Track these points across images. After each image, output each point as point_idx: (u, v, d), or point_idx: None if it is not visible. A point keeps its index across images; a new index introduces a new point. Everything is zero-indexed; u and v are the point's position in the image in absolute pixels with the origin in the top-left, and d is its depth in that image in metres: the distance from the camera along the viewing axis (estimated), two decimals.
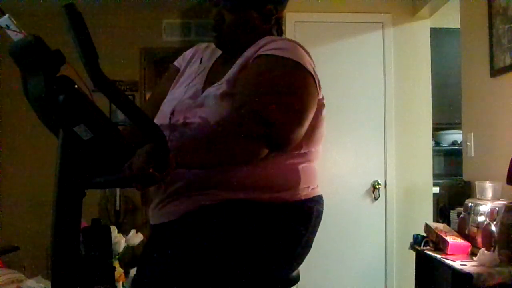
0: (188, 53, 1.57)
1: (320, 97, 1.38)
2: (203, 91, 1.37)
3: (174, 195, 1.31)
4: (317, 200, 1.40)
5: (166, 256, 1.25)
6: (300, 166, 1.35)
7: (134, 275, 1.39)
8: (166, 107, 1.41)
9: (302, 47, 1.37)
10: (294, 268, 1.39)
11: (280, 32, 1.51)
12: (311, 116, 1.30)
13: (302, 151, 1.35)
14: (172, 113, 1.36)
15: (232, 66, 1.36)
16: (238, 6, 1.39)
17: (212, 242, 1.24)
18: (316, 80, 1.34)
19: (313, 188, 1.39)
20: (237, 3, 1.39)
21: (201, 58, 1.51)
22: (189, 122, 1.30)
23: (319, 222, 1.40)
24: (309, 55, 1.37)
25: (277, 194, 1.30)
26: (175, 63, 1.57)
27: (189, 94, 1.38)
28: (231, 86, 1.30)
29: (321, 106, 1.38)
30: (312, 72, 1.32)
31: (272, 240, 1.28)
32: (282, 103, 1.23)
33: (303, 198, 1.34)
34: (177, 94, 1.42)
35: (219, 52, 1.48)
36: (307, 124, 1.29)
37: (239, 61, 1.34)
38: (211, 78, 1.40)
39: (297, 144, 1.30)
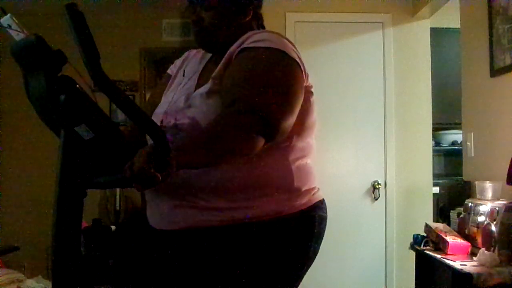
0: (179, 60, 1.59)
1: (308, 84, 1.38)
2: None
3: (175, 200, 1.31)
4: (319, 206, 1.40)
5: (174, 270, 1.27)
6: (294, 165, 1.35)
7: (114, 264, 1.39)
8: (159, 110, 1.43)
9: (285, 37, 1.37)
10: (302, 277, 1.39)
11: (262, 28, 1.51)
12: (300, 102, 1.30)
13: (295, 143, 1.35)
14: (164, 116, 1.37)
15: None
16: (213, 2, 1.39)
17: (218, 265, 1.26)
18: (302, 67, 1.34)
19: (313, 194, 1.39)
20: (211, 1, 1.39)
21: (192, 62, 1.52)
22: (179, 123, 1.31)
23: (324, 228, 1.40)
24: (293, 45, 1.36)
25: (277, 204, 1.30)
26: (168, 71, 1.59)
27: (180, 97, 1.39)
28: (217, 83, 1.31)
29: (309, 93, 1.38)
30: (297, 59, 1.32)
31: (279, 260, 1.30)
32: (271, 92, 1.23)
33: (303, 207, 1.34)
34: (169, 98, 1.44)
35: (209, 55, 1.49)
36: (296, 111, 1.28)
37: (224, 58, 1.35)
38: (201, 80, 1.41)
39: (288, 135, 1.29)
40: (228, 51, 1.35)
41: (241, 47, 1.32)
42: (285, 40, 1.35)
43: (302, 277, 1.38)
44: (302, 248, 1.34)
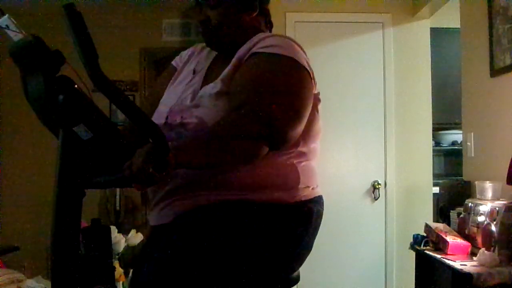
0: (185, 53, 1.57)
1: (316, 92, 1.38)
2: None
3: (174, 196, 1.31)
4: (317, 201, 1.40)
5: (166, 257, 1.24)
6: (300, 165, 1.35)
7: (131, 276, 1.39)
8: (163, 107, 1.41)
9: (295, 42, 1.37)
10: (294, 269, 1.39)
11: (270, 26, 1.51)
12: (308, 112, 1.30)
13: (300, 149, 1.35)
14: (169, 113, 1.36)
15: (228, 65, 1.36)
16: (218, 0, 1.39)
17: (212, 243, 1.23)
18: (312, 75, 1.34)
19: (313, 188, 1.39)
20: None
21: (199, 59, 1.51)
22: (186, 122, 1.30)
23: (319, 223, 1.40)
24: (303, 50, 1.36)
25: (277, 194, 1.30)
26: (173, 62, 1.57)
27: (187, 94, 1.38)
28: (226, 85, 1.30)
29: (317, 101, 1.38)
30: (307, 67, 1.32)
31: (272, 242, 1.28)
32: (280, 102, 1.23)
33: (303, 199, 1.34)
34: (174, 94, 1.42)
35: (215, 52, 1.49)
36: (305, 120, 1.28)
37: (234, 60, 1.34)
38: (208, 78, 1.40)
39: (295, 141, 1.29)
40: (237, 54, 1.34)
41: (252, 51, 1.31)
42: (296, 46, 1.34)
43: (295, 268, 1.37)
44: (296, 237, 1.33)
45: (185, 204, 1.29)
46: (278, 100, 1.22)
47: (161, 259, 1.24)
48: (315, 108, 1.37)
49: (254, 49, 1.31)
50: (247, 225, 1.26)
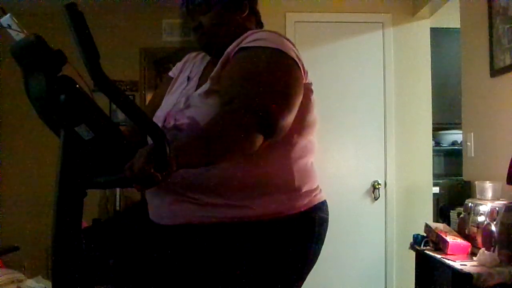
0: (180, 63, 1.60)
1: (307, 81, 1.38)
2: None
3: (176, 197, 1.31)
4: (320, 207, 1.39)
5: (171, 266, 1.27)
6: (296, 163, 1.35)
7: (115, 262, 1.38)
8: (160, 113, 1.43)
9: (283, 36, 1.38)
10: (303, 278, 1.39)
11: (260, 26, 1.52)
12: (298, 100, 1.30)
13: (295, 141, 1.35)
14: (165, 117, 1.38)
15: None
16: (208, 5, 1.41)
17: (216, 263, 1.25)
18: (300, 65, 1.34)
19: (315, 195, 1.39)
20: (206, 3, 1.41)
21: (193, 65, 1.53)
22: (179, 123, 1.32)
23: (325, 230, 1.40)
24: (293, 44, 1.37)
25: (278, 199, 1.30)
26: (170, 73, 1.60)
27: (180, 99, 1.39)
28: (215, 82, 1.32)
29: (308, 90, 1.38)
30: (295, 58, 1.32)
31: (277, 261, 1.29)
32: (268, 90, 1.23)
33: (303, 209, 1.34)
34: (171, 100, 1.44)
35: (209, 57, 1.50)
36: (295, 108, 1.28)
37: (222, 58, 1.36)
38: (202, 82, 1.41)
39: (289, 133, 1.29)
40: (226, 52, 1.35)
41: (239, 46, 1.33)
42: (283, 39, 1.35)
43: (304, 278, 1.37)
44: (301, 249, 1.33)
45: (189, 209, 1.30)
46: (266, 89, 1.23)
47: (165, 265, 1.25)
48: (307, 98, 1.37)
49: (241, 45, 1.33)
50: (252, 247, 1.27)
